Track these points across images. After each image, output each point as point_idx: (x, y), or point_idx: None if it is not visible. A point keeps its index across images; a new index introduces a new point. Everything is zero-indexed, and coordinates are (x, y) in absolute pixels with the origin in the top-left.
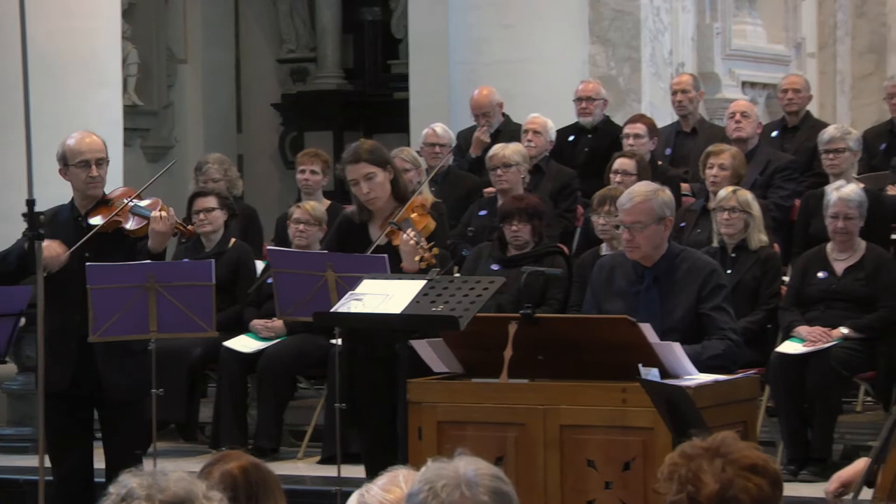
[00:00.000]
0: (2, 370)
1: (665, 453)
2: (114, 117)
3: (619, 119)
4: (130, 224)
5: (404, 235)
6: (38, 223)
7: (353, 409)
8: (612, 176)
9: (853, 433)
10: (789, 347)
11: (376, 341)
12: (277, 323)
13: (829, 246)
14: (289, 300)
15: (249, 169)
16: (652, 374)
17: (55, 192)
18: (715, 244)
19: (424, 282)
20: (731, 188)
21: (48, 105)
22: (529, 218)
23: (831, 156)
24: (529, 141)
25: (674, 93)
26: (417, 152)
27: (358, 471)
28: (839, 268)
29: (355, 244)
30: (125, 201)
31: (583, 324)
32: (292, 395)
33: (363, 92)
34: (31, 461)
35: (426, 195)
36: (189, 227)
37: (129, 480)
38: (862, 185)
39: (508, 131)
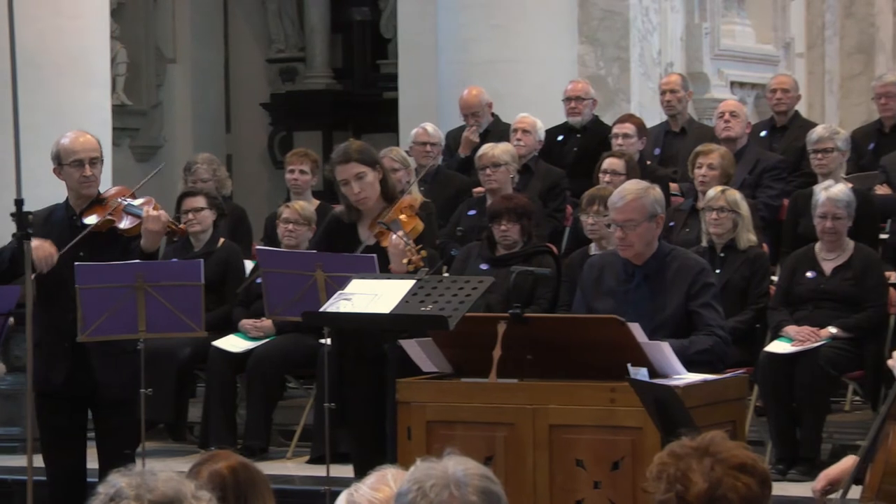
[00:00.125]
0: None
1: (654, 453)
2: (103, 117)
3: (608, 119)
4: (124, 223)
5: (393, 238)
6: (27, 223)
7: (343, 409)
8: (601, 176)
9: (841, 432)
10: (778, 347)
11: (365, 341)
12: (266, 322)
13: (817, 246)
14: (278, 300)
15: (238, 169)
16: (641, 373)
17: (45, 192)
18: (704, 244)
19: (413, 281)
20: (719, 188)
21: (37, 105)
22: (518, 218)
23: (820, 156)
24: (518, 140)
25: (663, 93)
26: (406, 152)
27: (347, 470)
28: (827, 267)
29: (344, 244)
30: (119, 200)
31: (571, 323)
32: (281, 395)
33: (352, 92)
34: (20, 461)
35: (415, 195)
36: (181, 226)
37: (117, 480)
38: (850, 185)
39: (497, 131)
